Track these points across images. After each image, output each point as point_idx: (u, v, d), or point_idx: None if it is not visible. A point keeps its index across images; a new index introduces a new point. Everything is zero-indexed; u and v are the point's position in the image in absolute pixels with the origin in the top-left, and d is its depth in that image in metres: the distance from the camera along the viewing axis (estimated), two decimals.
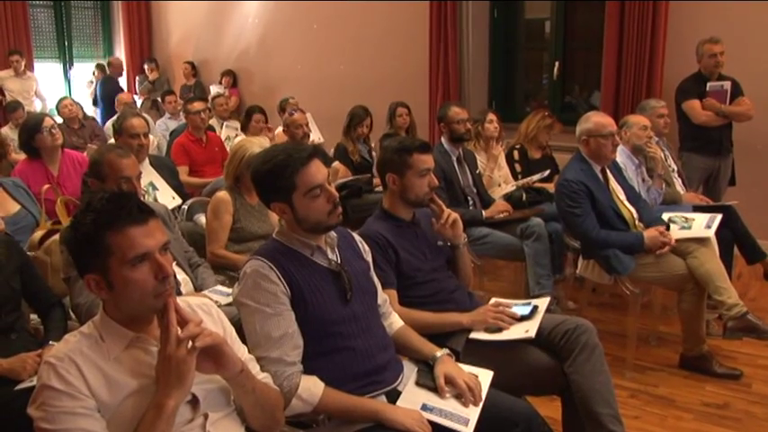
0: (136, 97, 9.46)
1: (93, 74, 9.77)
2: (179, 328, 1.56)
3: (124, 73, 10.43)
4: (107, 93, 9.29)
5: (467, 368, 2.27)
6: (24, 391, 2.30)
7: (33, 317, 2.87)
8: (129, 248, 1.55)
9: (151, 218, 1.61)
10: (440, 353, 2.28)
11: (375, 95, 7.13)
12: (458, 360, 2.36)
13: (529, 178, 4.80)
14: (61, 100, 7.76)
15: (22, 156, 4.62)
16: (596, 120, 3.75)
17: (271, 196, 2.12)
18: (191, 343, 1.55)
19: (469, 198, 4.39)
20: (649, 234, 3.63)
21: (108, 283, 1.57)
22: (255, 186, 2.20)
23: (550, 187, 4.72)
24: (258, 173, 2.13)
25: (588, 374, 2.46)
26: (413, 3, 7.41)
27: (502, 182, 4.97)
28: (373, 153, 5.94)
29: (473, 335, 2.56)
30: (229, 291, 2.89)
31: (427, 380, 2.21)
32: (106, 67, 9.90)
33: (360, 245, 2.36)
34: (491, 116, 5.02)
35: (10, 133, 6.89)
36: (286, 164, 2.06)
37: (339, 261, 2.18)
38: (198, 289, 3.01)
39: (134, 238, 1.55)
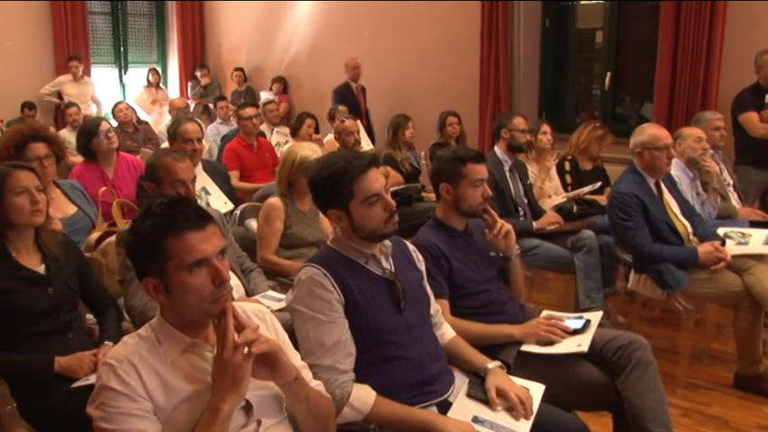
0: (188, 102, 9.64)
1: (148, 79, 9.96)
2: (236, 334, 1.57)
3: (177, 78, 10.63)
4: None
5: (518, 381, 2.25)
6: (80, 389, 2.36)
7: (89, 317, 2.92)
8: (188, 254, 1.56)
9: (209, 224, 1.62)
10: (491, 365, 2.27)
11: (425, 104, 7.15)
12: (509, 372, 2.34)
13: (580, 190, 4.74)
14: (117, 104, 7.96)
15: (79, 158, 4.73)
16: (651, 132, 3.69)
17: (328, 203, 2.13)
18: (247, 349, 1.56)
19: (520, 208, 4.36)
20: (704, 249, 3.55)
21: (166, 287, 1.59)
22: (313, 193, 2.21)
23: (602, 199, 4.67)
24: (316, 179, 2.15)
25: (641, 391, 2.41)
26: (465, 12, 7.40)
27: (552, 193, 4.93)
28: (421, 161, 5.93)
29: (524, 347, 2.54)
30: (281, 296, 2.91)
31: (478, 392, 2.20)
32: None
33: (414, 254, 2.36)
34: (545, 128, 4.98)
35: (68, 136, 7.07)
36: (344, 171, 2.07)
37: (393, 270, 2.18)
38: (249, 294, 3.04)
39: (192, 243, 1.57)
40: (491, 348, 2.49)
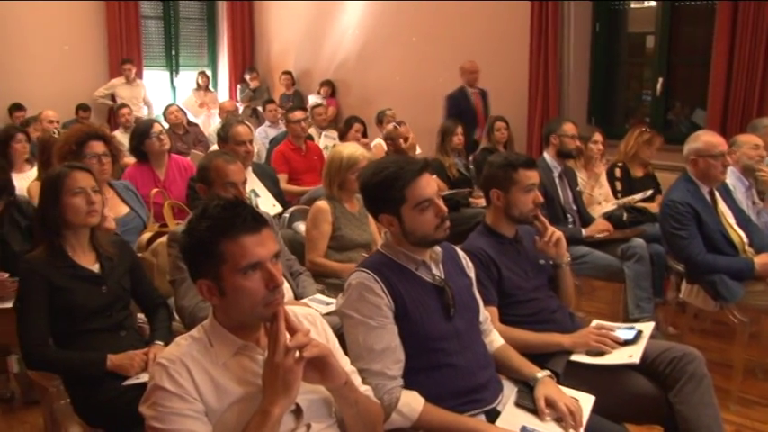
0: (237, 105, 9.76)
1: (197, 82, 10.11)
2: (287, 338, 1.57)
3: (226, 81, 10.76)
4: None
5: (567, 391, 2.22)
6: (131, 387, 2.40)
7: (140, 316, 2.96)
8: (242, 257, 1.57)
9: (264, 227, 1.62)
10: (541, 374, 2.24)
11: None
12: (558, 382, 2.31)
13: (630, 197, 4.67)
14: (168, 107, 8.10)
15: (131, 160, 4.81)
16: (706, 139, 3.62)
17: (379, 207, 2.14)
18: (298, 353, 1.56)
19: (569, 215, 4.30)
20: (760, 260, 3.47)
21: (220, 289, 1.60)
22: (364, 197, 2.22)
23: (653, 207, 4.59)
24: (368, 184, 2.15)
25: (695, 406, 2.35)
26: (513, 16, 7.37)
27: (602, 200, 4.86)
28: (470, 167, 5.90)
29: (574, 357, 2.50)
30: (329, 300, 2.93)
31: (527, 401, 2.17)
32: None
33: (463, 260, 2.35)
34: (597, 136, 4.92)
35: (120, 137, 7.22)
36: (397, 176, 2.07)
37: (443, 276, 2.17)
38: (298, 297, 3.05)
39: (247, 246, 1.57)
40: (540, 357, 2.45)
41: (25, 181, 4.39)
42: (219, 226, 1.58)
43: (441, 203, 2.11)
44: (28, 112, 8.19)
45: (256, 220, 1.61)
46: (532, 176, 2.67)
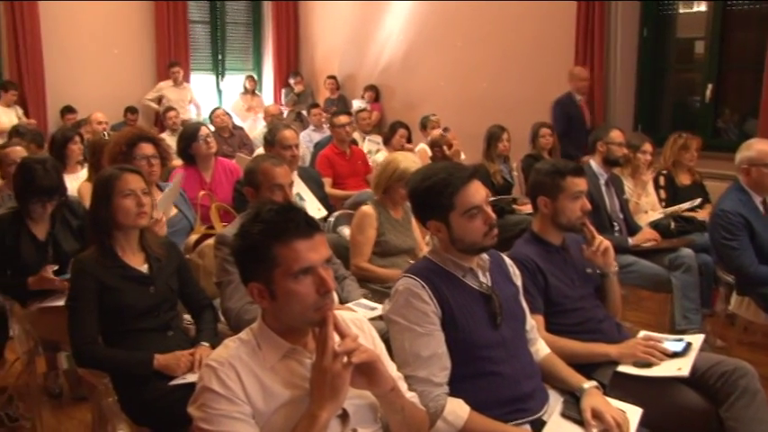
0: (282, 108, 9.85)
1: (244, 86, 10.22)
2: (336, 342, 1.57)
3: (271, 85, 10.87)
4: None
5: (614, 403, 2.18)
6: (177, 388, 2.42)
7: (186, 317, 2.98)
8: (295, 261, 1.57)
9: (317, 232, 1.63)
10: (587, 384, 2.21)
11: (516, 115, 7.05)
12: (604, 394, 2.28)
13: (678, 206, 4.59)
14: (214, 110, 8.21)
15: (178, 162, 4.89)
16: (760, 147, 3.55)
17: (428, 213, 2.13)
18: (346, 358, 1.56)
19: (615, 224, 4.24)
20: None
21: (271, 292, 1.60)
22: (412, 203, 2.22)
23: (701, 216, 4.50)
24: (417, 190, 2.15)
25: (748, 422, 2.29)
26: (559, 21, 7.30)
27: (648, 209, 4.78)
28: (514, 173, 5.86)
29: (621, 368, 2.46)
30: (373, 305, 2.92)
31: (573, 412, 2.14)
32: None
33: (510, 268, 2.33)
34: (647, 146, 4.81)
35: (167, 139, 7.33)
36: (447, 182, 2.07)
37: (490, 284, 2.16)
38: (343, 301, 3.05)
39: (300, 251, 1.58)
40: (585, 367, 2.42)
41: (76, 182, 4.47)
42: (273, 230, 1.59)
43: (489, 211, 2.10)
44: (79, 114, 8.38)
45: (309, 225, 1.62)
46: (580, 184, 2.65)
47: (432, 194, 2.09)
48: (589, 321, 2.61)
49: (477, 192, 2.09)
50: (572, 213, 2.62)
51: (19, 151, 4.24)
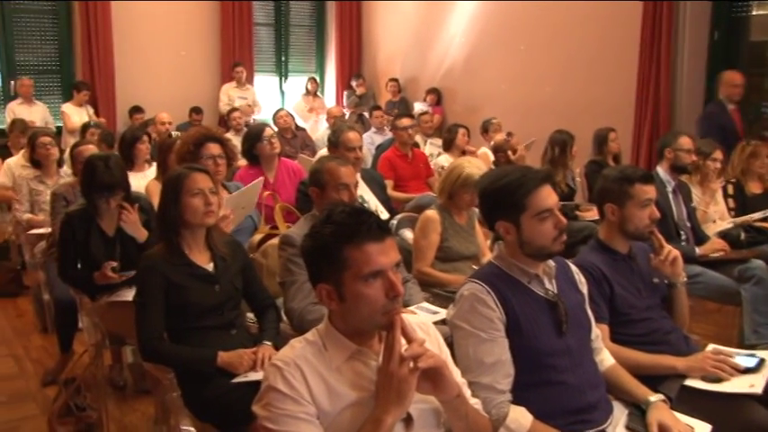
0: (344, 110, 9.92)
1: (306, 87, 10.33)
2: (403, 347, 1.57)
3: (333, 87, 10.95)
4: None
5: (681, 418, 2.13)
6: (239, 385, 2.45)
7: (249, 315, 3.02)
8: (365, 264, 1.57)
9: (388, 236, 1.62)
10: (654, 398, 2.16)
11: (578, 119, 6.95)
12: (670, 407, 2.22)
13: (749, 216, 4.45)
14: (277, 111, 8.32)
15: (242, 162, 4.96)
16: None
17: (498, 214, 2.11)
18: (413, 363, 1.55)
19: (682, 233, 4.13)
20: None
21: (340, 294, 1.60)
22: (482, 203, 2.20)
23: None
24: (489, 190, 2.14)
25: None
26: (624, 23, 7.16)
27: (717, 218, 4.64)
28: (576, 179, 5.77)
29: (688, 382, 2.39)
30: (435, 309, 2.92)
31: (638, 425, 2.10)
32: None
33: (576, 275, 2.29)
34: (718, 153, 4.68)
35: (231, 139, 7.45)
36: (520, 183, 2.05)
37: (556, 291, 2.13)
38: (404, 305, 3.04)
39: (371, 254, 1.57)
40: (651, 380, 2.36)
41: (144, 180, 4.58)
42: (344, 232, 1.59)
43: (561, 216, 2.08)
44: (146, 114, 8.60)
45: (381, 229, 1.62)
46: (649, 191, 2.59)
47: (504, 194, 2.07)
48: (656, 332, 2.55)
49: (550, 195, 2.07)
50: (640, 221, 2.57)
51: (91, 149, 4.38)
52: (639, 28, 6.97)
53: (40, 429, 3.37)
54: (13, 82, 8.36)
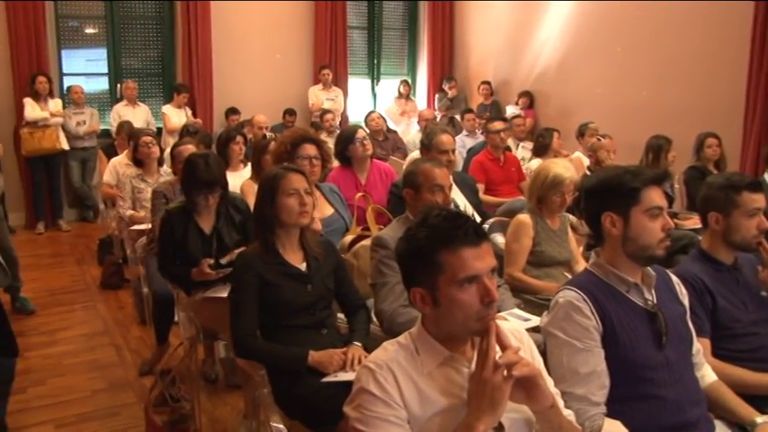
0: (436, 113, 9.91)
1: (399, 90, 10.37)
2: (497, 354, 1.54)
3: (425, 90, 10.95)
4: None
5: None
6: (329, 385, 2.47)
7: (339, 315, 3.04)
8: (461, 269, 1.55)
9: (485, 241, 1.60)
10: (761, 419, 2.07)
11: (678, 124, 6.70)
12: None
13: None
14: (369, 113, 8.37)
15: (335, 163, 5.02)
16: None
17: (607, 204, 2.07)
18: (507, 371, 1.52)
19: None
20: None
21: (434, 299, 1.59)
22: (587, 196, 2.16)
23: None
24: (601, 180, 2.11)
25: None
26: (732, 23, 6.86)
27: None
28: (675, 186, 5.57)
29: None
30: (528, 315, 2.86)
31: None
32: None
33: (677, 286, 2.21)
34: None
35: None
36: (635, 174, 2.02)
37: (656, 301, 2.05)
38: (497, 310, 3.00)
39: (467, 259, 1.55)
40: (757, 399, 2.25)
41: (239, 179, 4.70)
42: (440, 236, 1.58)
43: (669, 219, 2.02)
44: (241, 115, 8.83)
45: (477, 234, 1.60)
46: (758, 200, 2.47)
47: (615, 185, 2.04)
48: (762, 349, 2.42)
49: (660, 196, 2.02)
50: (747, 232, 2.45)
51: (190, 149, 4.52)
52: (750, 28, 6.65)
53: (137, 416, 3.50)
54: (119, 85, 8.74)
